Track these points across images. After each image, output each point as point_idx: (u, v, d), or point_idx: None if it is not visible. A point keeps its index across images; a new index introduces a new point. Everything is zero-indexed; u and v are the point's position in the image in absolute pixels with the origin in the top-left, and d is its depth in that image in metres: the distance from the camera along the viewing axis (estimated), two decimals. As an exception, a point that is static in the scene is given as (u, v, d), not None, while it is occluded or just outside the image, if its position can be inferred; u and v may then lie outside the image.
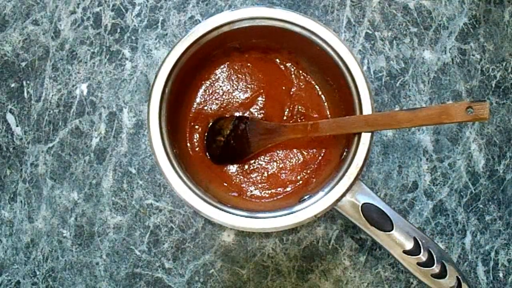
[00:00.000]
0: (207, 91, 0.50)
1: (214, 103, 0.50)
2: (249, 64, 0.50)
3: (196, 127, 0.49)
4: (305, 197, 0.42)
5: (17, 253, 0.52)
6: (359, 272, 0.52)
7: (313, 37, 0.43)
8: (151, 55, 0.54)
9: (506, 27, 0.55)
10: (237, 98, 0.50)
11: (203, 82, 0.50)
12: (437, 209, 0.52)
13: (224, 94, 0.50)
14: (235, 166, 0.49)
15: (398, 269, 0.52)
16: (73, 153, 0.53)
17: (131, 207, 0.52)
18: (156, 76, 0.42)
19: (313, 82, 0.50)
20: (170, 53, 0.43)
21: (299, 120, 0.49)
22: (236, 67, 0.50)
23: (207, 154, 0.49)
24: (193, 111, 0.49)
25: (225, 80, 0.50)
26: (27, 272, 0.52)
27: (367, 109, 0.42)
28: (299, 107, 0.50)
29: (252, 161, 0.49)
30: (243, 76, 0.50)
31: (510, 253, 0.52)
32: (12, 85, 0.54)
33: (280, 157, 0.49)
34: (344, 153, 0.43)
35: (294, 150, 0.49)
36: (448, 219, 0.52)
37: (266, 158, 0.49)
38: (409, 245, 0.39)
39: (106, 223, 0.52)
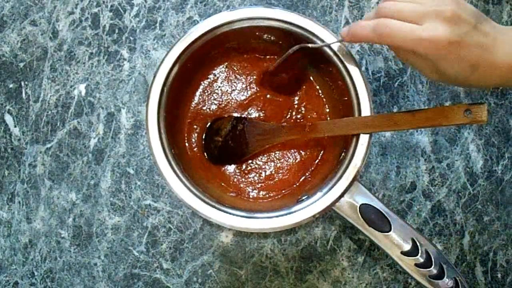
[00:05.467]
0: (206, 91, 0.50)
1: (213, 104, 0.50)
2: (247, 65, 0.50)
3: (195, 127, 0.49)
4: (303, 198, 0.42)
5: (15, 253, 0.52)
6: (357, 272, 0.52)
7: (312, 38, 0.43)
8: (149, 56, 0.54)
9: (505, 28, 0.55)
10: (236, 99, 0.50)
11: (201, 82, 0.50)
12: (435, 209, 0.52)
13: (223, 94, 0.50)
14: (233, 166, 0.49)
15: (396, 270, 0.52)
16: (71, 154, 0.53)
17: (129, 208, 0.52)
18: (154, 77, 0.42)
19: (312, 83, 0.50)
20: (168, 54, 0.43)
21: (298, 121, 0.49)
22: (234, 68, 0.50)
23: (205, 154, 0.49)
24: (192, 111, 0.49)
25: (223, 80, 0.50)
26: (25, 272, 0.52)
27: (365, 110, 0.42)
28: (298, 107, 0.50)
29: (250, 162, 0.49)
30: (242, 77, 0.50)
31: (508, 254, 0.52)
32: (10, 85, 0.54)
33: (278, 158, 0.49)
34: (342, 154, 0.43)
35: (292, 150, 0.49)
36: (447, 220, 0.52)
37: (264, 158, 0.49)
38: (407, 246, 0.40)
39: (104, 223, 0.52)
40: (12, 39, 0.54)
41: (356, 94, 0.42)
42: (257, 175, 0.49)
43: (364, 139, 0.41)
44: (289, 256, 0.52)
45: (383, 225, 0.40)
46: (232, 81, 0.50)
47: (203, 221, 0.52)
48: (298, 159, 0.49)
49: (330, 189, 0.41)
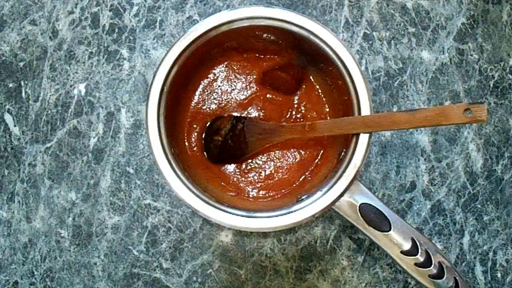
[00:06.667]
0: (206, 90, 0.50)
1: (213, 103, 0.50)
2: (247, 64, 0.50)
3: (194, 126, 0.49)
4: (303, 197, 0.42)
5: (15, 253, 0.52)
6: (357, 272, 0.52)
7: (312, 37, 0.43)
8: (149, 55, 0.54)
9: (504, 27, 0.55)
10: (235, 98, 0.50)
11: (201, 81, 0.50)
12: (435, 209, 0.52)
13: (223, 93, 0.50)
14: (233, 165, 0.49)
15: (396, 269, 0.52)
16: (71, 153, 0.53)
17: (129, 207, 0.52)
18: (154, 76, 0.42)
19: (312, 82, 0.50)
20: (168, 53, 0.43)
21: (297, 121, 0.49)
22: (234, 67, 0.50)
23: (205, 153, 0.49)
24: (192, 110, 0.49)
25: (223, 79, 0.50)
26: (25, 272, 0.52)
27: (365, 109, 0.42)
28: (298, 107, 0.50)
29: (250, 161, 0.49)
30: (242, 76, 0.50)
31: (508, 253, 0.52)
32: (10, 85, 0.54)
33: (277, 157, 0.49)
34: (342, 153, 0.43)
35: (292, 149, 0.49)
36: (446, 219, 0.52)
37: (263, 157, 0.49)
38: (406, 246, 0.39)
39: (104, 223, 0.52)
40: (12, 38, 0.54)
41: (356, 94, 0.42)
42: (257, 174, 0.49)
43: (364, 138, 0.41)
44: (289, 256, 0.52)
45: (383, 224, 0.40)
46: (232, 80, 0.50)
47: (203, 220, 0.52)
48: (298, 159, 0.49)
49: (330, 188, 0.41)
